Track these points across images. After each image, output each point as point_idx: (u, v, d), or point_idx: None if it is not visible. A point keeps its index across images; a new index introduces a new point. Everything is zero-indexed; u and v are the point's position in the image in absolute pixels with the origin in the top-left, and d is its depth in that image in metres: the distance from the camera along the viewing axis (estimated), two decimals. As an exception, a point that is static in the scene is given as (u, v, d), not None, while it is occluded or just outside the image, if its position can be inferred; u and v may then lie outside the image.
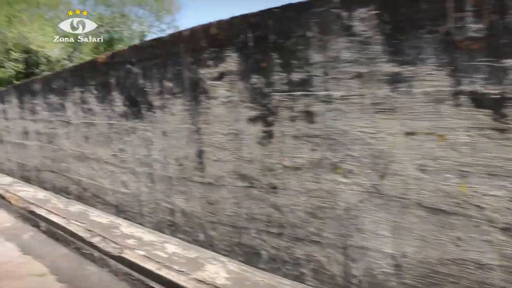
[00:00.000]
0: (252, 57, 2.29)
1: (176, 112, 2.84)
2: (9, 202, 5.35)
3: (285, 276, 2.39)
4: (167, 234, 3.19)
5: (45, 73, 12.47)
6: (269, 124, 2.28)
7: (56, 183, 4.95)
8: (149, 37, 18.77)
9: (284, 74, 2.16)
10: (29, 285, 3.21)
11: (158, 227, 3.28)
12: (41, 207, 4.61)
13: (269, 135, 2.29)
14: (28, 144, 5.59)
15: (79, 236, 3.60)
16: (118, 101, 3.39)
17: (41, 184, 5.47)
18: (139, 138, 3.23)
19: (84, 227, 3.69)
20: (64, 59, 13.97)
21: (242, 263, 2.63)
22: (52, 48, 13.26)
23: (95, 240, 3.39)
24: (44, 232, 4.34)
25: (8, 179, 6.50)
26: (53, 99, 4.55)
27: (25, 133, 5.61)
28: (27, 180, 5.97)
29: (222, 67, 2.47)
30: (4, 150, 6.65)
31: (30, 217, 4.70)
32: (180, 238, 3.08)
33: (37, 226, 4.53)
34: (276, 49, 2.17)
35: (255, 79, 2.30)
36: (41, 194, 5.23)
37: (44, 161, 5.16)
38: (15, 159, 6.28)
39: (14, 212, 5.22)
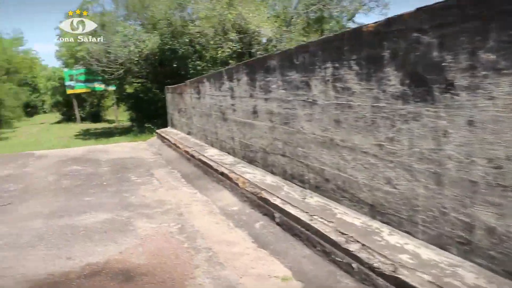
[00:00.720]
0: None
1: (498, 95, 2.27)
2: (236, 184, 5.57)
3: None
4: (454, 254, 2.70)
5: (259, 53, 13.30)
6: None
7: (288, 169, 4.94)
8: (359, 15, 18.81)
9: None
10: (273, 291, 3.10)
11: (438, 242, 2.81)
12: (273, 194, 4.66)
13: None
14: (256, 124, 5.76)
15: (329, 238, 3.42)
16: (393, 79, 3.01)
17: (267, 167, 5.59)
18: (424, 127, 2.79)
19: (333, 227, 3.48)
20: (277, 39, 14.62)
21: None
22: (266, 28, 14.02)
23: (353, 247, 3.12)
24: (278, 224, 4.33)
25: (230, 158, 6.94)
26: (294, 76, 4.48)
27: (254, 112, 5.80)
28: (250, 161, 6.22)
29: None
30: (227, 128, 7.10)
31: (260, 204, 4.79)
32: (478, 264, 2.53)
33: (268, 215, 4.57)
34: None
35: None
36: (269, 178, 5.33)
37: (275, 143, 5.22)
38: (238, 138, 6.62)
39: (239, 195, 5.44)
